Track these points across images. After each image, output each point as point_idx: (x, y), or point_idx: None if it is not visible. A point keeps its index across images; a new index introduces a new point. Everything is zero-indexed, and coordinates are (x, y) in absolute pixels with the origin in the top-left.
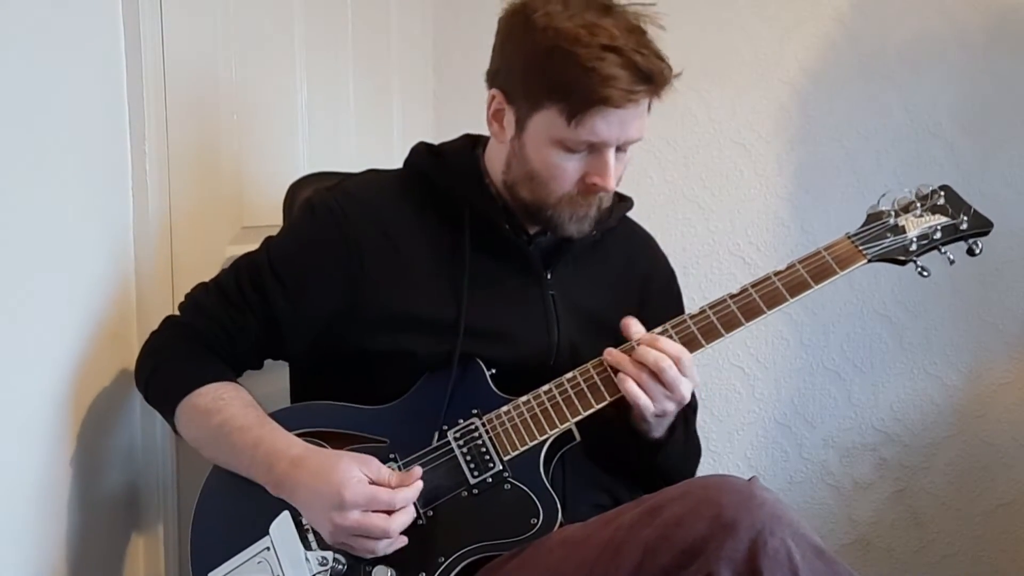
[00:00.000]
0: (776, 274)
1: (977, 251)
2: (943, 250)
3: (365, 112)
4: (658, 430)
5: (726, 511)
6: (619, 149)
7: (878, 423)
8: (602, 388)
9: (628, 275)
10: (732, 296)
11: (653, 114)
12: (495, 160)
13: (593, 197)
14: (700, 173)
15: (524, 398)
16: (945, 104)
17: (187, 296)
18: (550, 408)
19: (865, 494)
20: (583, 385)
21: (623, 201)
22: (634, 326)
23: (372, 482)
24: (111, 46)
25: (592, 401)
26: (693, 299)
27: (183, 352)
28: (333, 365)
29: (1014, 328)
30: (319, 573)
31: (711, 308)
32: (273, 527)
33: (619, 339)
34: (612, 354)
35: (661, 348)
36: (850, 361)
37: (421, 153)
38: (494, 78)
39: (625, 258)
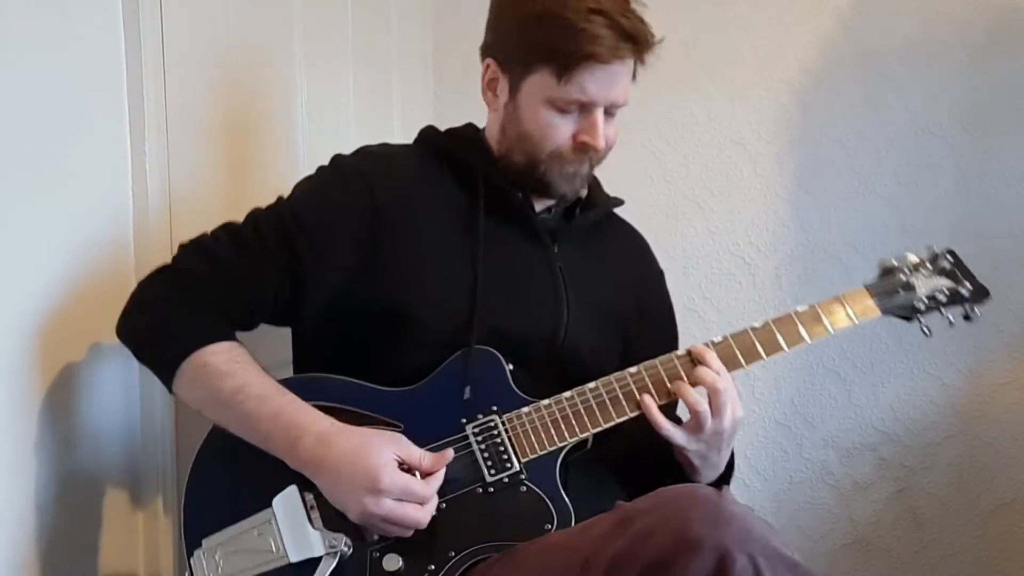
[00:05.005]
0: (796, 314)
1: (974, 318)
2: (944, 312)
3: (365, 112)
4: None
5: (692, 526)
6: (608, 113)
7: (878, 423)
8: (624, 402)
9: (625, 265)
10: (754, 329)
11: (653, 114)
12: (492, 133)
13: (583, 155)
14: (700, 173)
15: (546, 401)
16: (945, 104)
17: (188, 242)
18: (571, 415)
19: (865, 494)
20: (605, 397)
21: (614, 198)
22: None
23: (402, 463)
24: (111, 46)
25: (613, 414)
26: (693, 299)
27: (187, 303)
28: (342, 333)
29: (1014, 328)
30: (327, 555)
31: (732, 337)
32: (277, 500)
33: (617, 321)
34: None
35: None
36: (850, 361)
37: (432, 132)
38: (488, 49)
39: (623, 248)
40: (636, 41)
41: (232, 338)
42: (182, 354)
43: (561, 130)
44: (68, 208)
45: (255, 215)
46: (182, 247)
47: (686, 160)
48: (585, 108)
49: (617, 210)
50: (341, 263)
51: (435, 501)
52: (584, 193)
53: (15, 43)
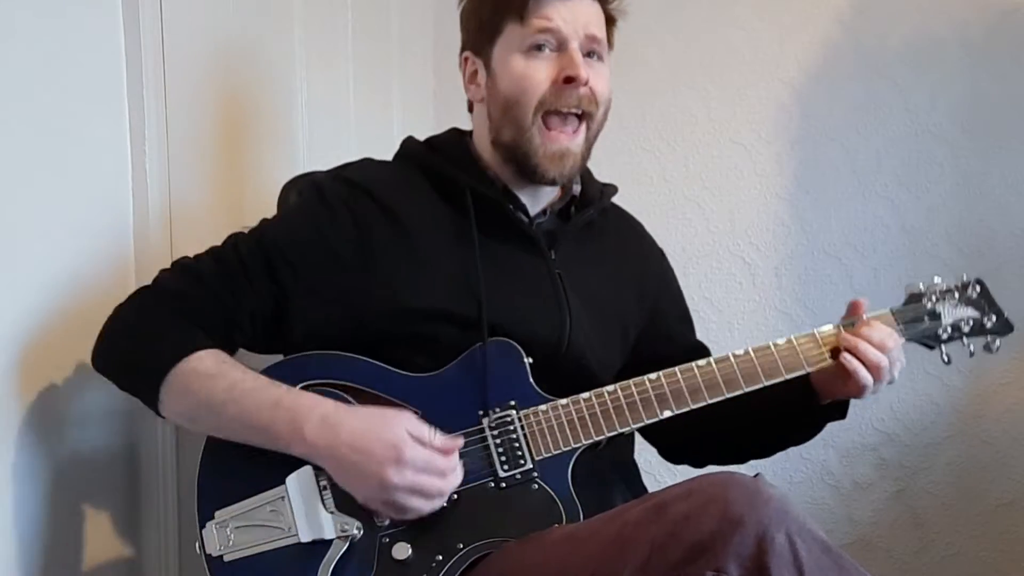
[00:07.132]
0: (819, 333)
1: (994, 349)
2: (965, 342)
3: (365, 112)
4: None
5: (733, 507)
6: (588, 55)
7: (878, 423)
8: (640, 408)
9: (625, 258)
10: (776, 346)
11: (653, 114)
12: (483, 135)
13: (571, 95)
14: (700, 173)
15: (563, 401)
16: (945, 104)
17: (171, 265)
18: (588, 418)
19: (865, 494)
20: (623, 401)
21: (608, 186)
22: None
23: (415, 440)
24: (111, 46)
25: (629, 419)
26: (693, 299)
27: (166, 317)
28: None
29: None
30: (337, 539)
31: (754, 351)
32: (291, 479)
33: (618, 320)
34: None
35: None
36: None
37: (414, 146)
38: (462, 50)
39: (620, 241)
40: None
41: (214, 346)
42: (168, 364)
43: (540, 73)
44: (68, 209)
45: (236, 238)
46: (163, 270)
47: (686, 160)
48: (559, 47)
49: (613, 198)
50: (329, 293)
51: (458, 476)
52: (578, 190)
53: (15, 44)
